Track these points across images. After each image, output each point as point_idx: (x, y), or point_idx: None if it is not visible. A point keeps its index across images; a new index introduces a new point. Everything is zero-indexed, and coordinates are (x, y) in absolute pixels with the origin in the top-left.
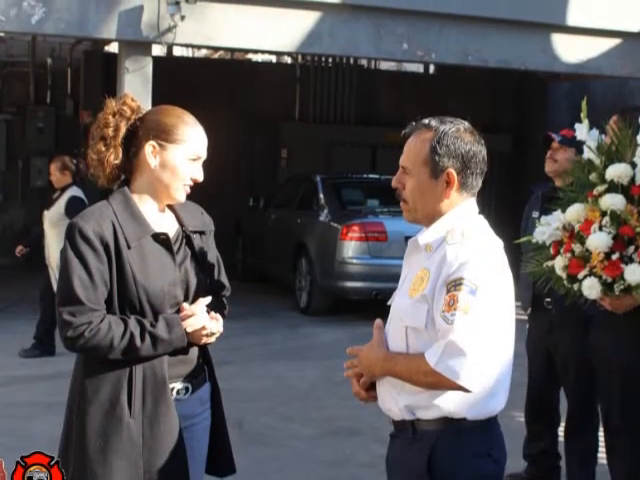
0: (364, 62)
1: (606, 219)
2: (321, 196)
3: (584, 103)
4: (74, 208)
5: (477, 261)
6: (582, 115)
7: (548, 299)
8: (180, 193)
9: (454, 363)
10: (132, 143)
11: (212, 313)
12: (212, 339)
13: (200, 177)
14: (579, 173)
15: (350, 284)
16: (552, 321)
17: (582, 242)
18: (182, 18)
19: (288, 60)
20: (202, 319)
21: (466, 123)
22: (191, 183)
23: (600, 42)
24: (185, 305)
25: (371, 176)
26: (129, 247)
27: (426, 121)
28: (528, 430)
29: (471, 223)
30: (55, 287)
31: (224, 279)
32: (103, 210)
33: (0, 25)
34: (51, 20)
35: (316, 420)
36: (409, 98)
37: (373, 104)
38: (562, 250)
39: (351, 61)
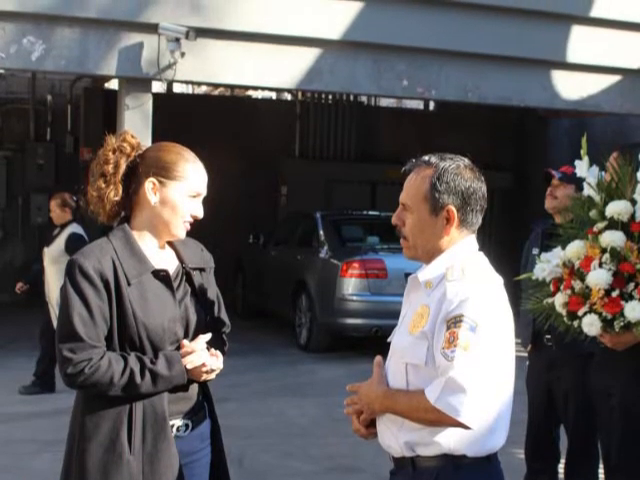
0: (364, 99)
1: (606, 256)
2: (321, 233)
3: (584, 140)
4: (74, 245)
5: (477, 298)
6: (582, 152)
7: (548, 336)
8: (180, 230)
9: (454, 400)
10: (132, 180)
11: (212, 350)
12: (212, 376)
13: (200, 214)
14: (579, 210)
15: (350, 321)
16: (552, 358)
17: (582, 279)
18: (182, 55)
19: (288, 97)
20: (202, 356)
21: (466, 160)
22: (191, 220)
23: (600, 79)
24: (185, 342)
25: (371, 213)
26: (129, 284)
27: (426, 158)
28: (528, 467)
29: (471, 260)
30: (55, 324)
31: (224, 316)
32: (103, 247)
33: (0, 62)
34: (51, 57)
35: (316, 457)
36: (409, 135)
37: (373, 141)
38: (562, 287)
39: (351, 98)
